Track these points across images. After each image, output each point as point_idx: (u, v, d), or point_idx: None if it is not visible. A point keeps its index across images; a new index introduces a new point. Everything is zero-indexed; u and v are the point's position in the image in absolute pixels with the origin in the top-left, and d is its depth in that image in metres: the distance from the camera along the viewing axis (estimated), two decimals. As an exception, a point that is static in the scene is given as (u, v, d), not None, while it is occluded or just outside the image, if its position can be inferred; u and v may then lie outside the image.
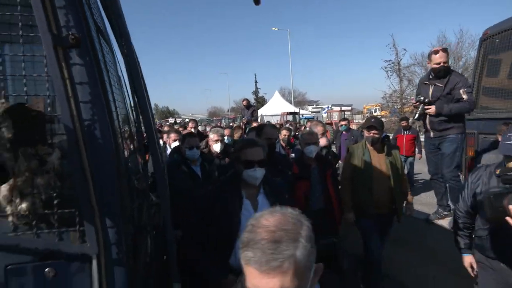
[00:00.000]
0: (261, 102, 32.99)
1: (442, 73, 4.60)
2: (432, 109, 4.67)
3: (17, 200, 0.84)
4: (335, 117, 27.84)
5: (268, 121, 12.25)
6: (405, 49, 23.07)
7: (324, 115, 33.61)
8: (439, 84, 4.61)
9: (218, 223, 1.88)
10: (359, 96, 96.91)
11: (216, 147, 4.16)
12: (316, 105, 63.29)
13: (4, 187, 0.83)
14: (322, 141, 4.26)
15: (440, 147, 4.91)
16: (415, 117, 4.74)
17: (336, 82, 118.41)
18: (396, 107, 24.50)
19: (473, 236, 2.43)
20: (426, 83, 4.77)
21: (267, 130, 3.61)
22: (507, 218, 1.38)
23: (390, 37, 37.16)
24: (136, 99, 1.32)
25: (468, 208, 2.33)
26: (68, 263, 0.95)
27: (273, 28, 32.69)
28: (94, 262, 0.96)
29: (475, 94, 5.02)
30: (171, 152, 4.07)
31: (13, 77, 1.01)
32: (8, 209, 0.86)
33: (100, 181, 0.94)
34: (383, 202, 3.49)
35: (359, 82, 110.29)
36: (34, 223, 0.89)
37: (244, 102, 10.94)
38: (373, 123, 3.59)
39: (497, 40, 4.72)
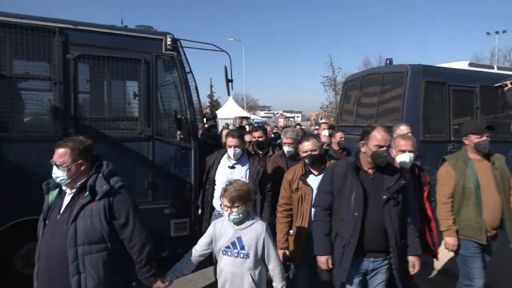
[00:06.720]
0: (216, 105, 36.38)
1: None
2: None
3: (181, 132, 4.40)
4: (281, 123, 32.06)
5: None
6: (340, 68, 27.46)
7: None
8: None
9: None
10: (308, 104, 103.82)
11: (286, 150, 4.11)
12: (268, 111, 67.16)
13: (179, 131, 4.39)
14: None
15: None
16: None
17: (289, 90, 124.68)
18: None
19: None
20: None
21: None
22: None
23: (328, 56, 42.94)
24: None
25: None
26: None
27: (230, 39, 36.01)
28: (193, 151, 4.57)
29: (340, 114, 9.05)
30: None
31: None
32: (178, 135, 4.43)
33: (194, 131, 4.59)
34: (492, 221, 3.05)
35: (310, 91, 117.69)
36: (181, 139, 4.48)
37: (208, 109, 14.13)
38: (488, 124, 3.02)
39: (350, 84, 8.78)
